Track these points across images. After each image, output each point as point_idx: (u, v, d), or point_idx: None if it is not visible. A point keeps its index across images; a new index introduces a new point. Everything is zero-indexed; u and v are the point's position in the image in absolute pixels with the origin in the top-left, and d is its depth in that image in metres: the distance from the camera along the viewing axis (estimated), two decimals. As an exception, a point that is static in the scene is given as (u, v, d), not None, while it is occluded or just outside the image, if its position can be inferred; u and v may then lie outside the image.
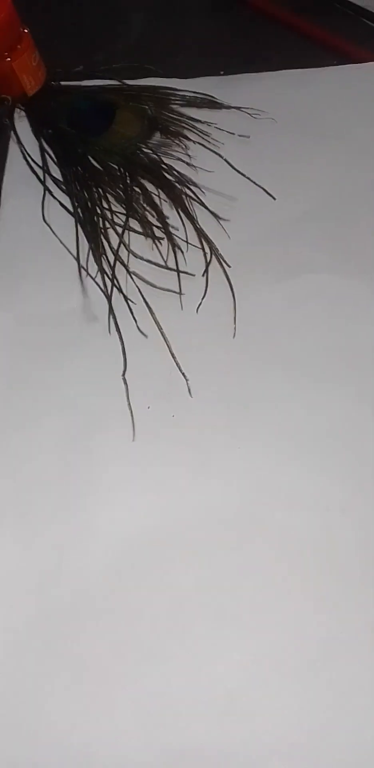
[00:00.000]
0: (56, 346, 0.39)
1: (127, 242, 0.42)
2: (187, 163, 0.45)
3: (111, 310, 0.40)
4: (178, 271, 0.41)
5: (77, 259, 0.42)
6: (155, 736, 0.29)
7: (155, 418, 0.36)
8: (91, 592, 0.32)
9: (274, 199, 0.44)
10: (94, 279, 0.41)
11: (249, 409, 0.37)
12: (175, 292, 0.40)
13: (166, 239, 0.42)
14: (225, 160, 0.44)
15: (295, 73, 0.50)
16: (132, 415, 0.36)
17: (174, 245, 0.42)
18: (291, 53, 0.53)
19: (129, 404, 0.37)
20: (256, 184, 0.44)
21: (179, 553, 0.33)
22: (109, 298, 0.40)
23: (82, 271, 0.41)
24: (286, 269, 0.41)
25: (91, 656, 0.31)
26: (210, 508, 0.34)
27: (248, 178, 0.44)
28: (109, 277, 0.41)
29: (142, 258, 0.41)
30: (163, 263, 0.41)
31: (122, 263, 0.41)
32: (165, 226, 0.42)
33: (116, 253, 0.41)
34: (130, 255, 0.42)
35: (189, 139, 0.46)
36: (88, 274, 0.41)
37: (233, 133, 0.46)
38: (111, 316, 0.39)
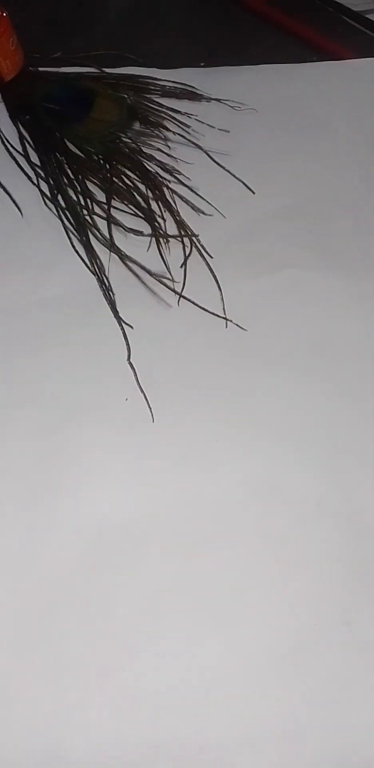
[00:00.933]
0: (31, 336, 0.39)
1: (108, 231, 0.42)
2: (167, 154, 0.45)
3: (108, 296, 0.39)
4: (164, 260, 0.40)
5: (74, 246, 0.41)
6: (130, 730, 0.29)
7: (133, 410, 0.36)
8: (64, 585, 0.32)
9: (253, 193, 0.44)
10: (86, 264, 0.41)
11: (226, 402, 0.37)
12: (166, 278, 0.40)
13: (146, 229, 0.42)
14: (206, 152, 0.44)
15: (275, 68, 0.50)
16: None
17: (157, 235, 0.41)
18: (271, 48, 0.53)
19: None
20: (236, 178, 0.44)
21: (155, 546, 0.33)
22: (101, 283, 0.40)
23: (62, 258, 0.41)
24: (265, 264, 0.41)
25: (64, 649, 0.31)
26: (186, 501, 0.34)
27: (228, 171, 0.44)
28: (90, 266, 0.40)
29: (125, 253, 0.41)
30: (145, 254, 0.41)
31: (96, 254, 0.41)
32: (150, 212, 0.42)
33: (88, 242, 0.41)
34: (112, 243, 0.41)
35: (169, 130, 0.46)
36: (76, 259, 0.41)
37: (213, 127, 0.46)
38: (109, 304, 0.39)
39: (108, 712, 0.30)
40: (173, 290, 0.39)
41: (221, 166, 0.44)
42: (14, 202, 0.43)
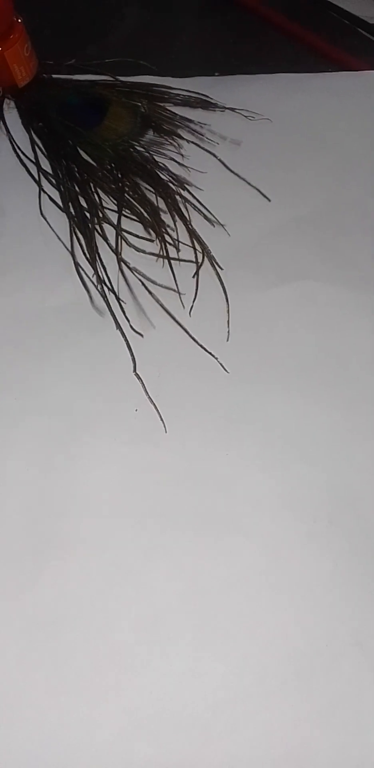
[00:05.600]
0: (39, 345, 0.38)
1: (118, 239, 0.41)
2: (180, 163, 0.45)
3: (109, 308, 0.39)
4: (173, 271, 0.40)
5: (72, 254, 0.41)
6: (135, 752, 0.29)
7: (142, 421, 0.36)
8: (69, 602, 0.31)
9: (269, 200, 0.43)
10: (88, 276, 0.40)
11: (237, 415, 0.36)
12: (172, 290, 0.39)
13: (157, 238, 0.41)
14: (220, 161, 0.44)
15: (290, 77, 0.50)
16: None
17: (166, 245, 0.41)
18: (285, 58, 0.52)
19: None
20: (252, 186, 0.43)
21: (162, 561, 0.32)
22: (103, 296, 0.39)
23: (71, 267, 0.40)
24: (278, 274, 0.41)
25: (68, 668, 0.30)
26: (195, 516, 0.33)
27: (243, 179, 0.43)
28: (99, 275, 0.40)
29: (130, 266, 0.40)
30: (154, 264, 0.40)
31: (106, 261, 0.40)
32: (158, 225, 0.42)
33: (96, 251, 0.41)
34: (121, 252, 0.41)
35: (182, 138, 0.46)
36: (82, 270, 0.40)
37: (226, 138, 0.45)
38: (110, 314, 0.39)
39: (113, 731, 0.29)
40: (182, 303, 0.39)
41: (236, 175, 0.43)
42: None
